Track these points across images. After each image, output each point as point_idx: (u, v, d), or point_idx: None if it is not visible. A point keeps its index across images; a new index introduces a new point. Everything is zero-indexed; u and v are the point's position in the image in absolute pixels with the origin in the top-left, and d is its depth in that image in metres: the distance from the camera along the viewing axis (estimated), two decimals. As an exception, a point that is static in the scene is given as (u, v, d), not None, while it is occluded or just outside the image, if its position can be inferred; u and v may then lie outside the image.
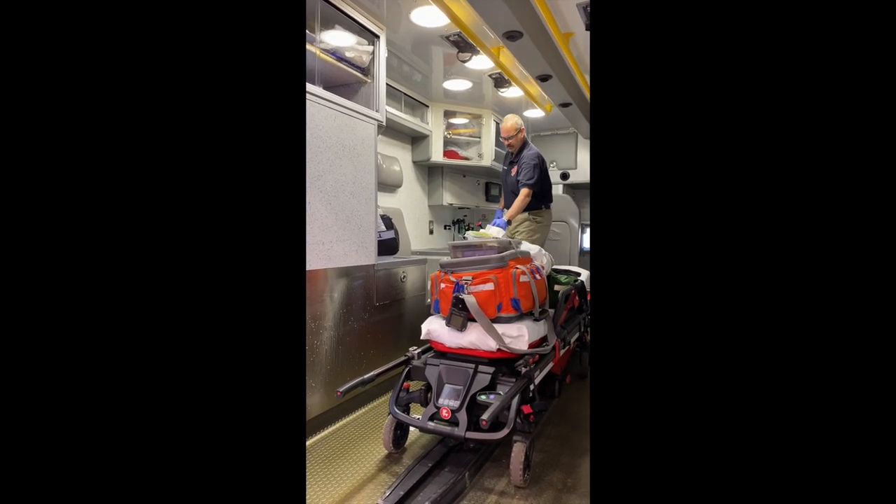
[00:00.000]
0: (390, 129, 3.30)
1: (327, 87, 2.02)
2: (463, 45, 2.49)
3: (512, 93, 3.27)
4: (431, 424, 1.57)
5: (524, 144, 3.05)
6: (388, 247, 2.61)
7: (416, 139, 3.73)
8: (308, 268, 1.85)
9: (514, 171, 3.04)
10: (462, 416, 1.53)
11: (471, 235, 1.97)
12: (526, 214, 3.00)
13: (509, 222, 2.93)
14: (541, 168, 2.95)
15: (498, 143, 3.82)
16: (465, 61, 2.67)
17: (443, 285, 1.79)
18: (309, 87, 1.83)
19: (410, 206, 3.79)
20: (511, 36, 2.10)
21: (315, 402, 1.88)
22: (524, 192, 2.90)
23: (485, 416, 1.35)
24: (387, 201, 3.43)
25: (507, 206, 3.07)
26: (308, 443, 1.83)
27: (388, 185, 3.34)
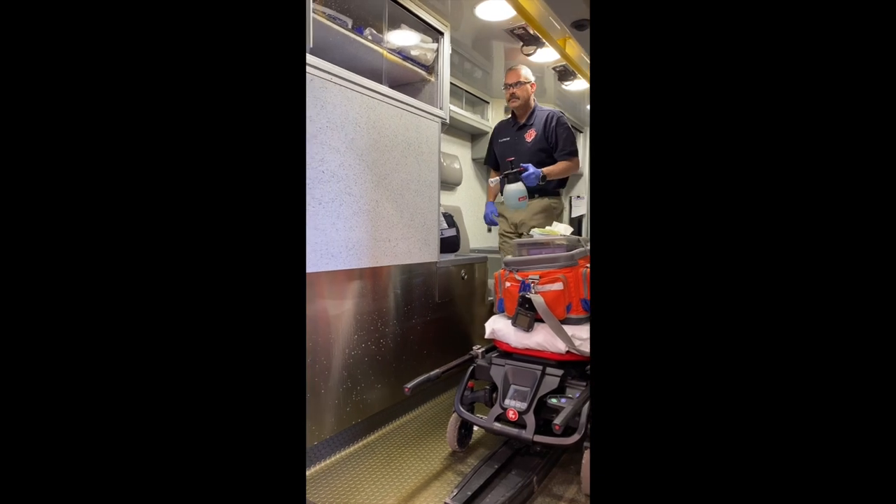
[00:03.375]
0: (451, 127, 3.29)
1: (392, 86, 2.04)
2: (527, 38, 2.44)
3: (576, 86, 3.17)
4: (498, 425, 1.54)
5: (535, 105, 2.41)
6: (449, 244, 2.61)
7: (475, 136, 3.70)
8: (374, 265, 1.88)
9: (529, 135, 2.38)
10: (529, 419, 1.49)
11: (537, 233, 1.92)
12: (547, 201, 2.42)
13: (544, 178, 2.26)
14: None
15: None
16: (529, 55, 2.60)
17: (508, 284, 1.75)
18: (377, 86, 1.86)
19: (469, 204, 3.77)
20: (580, 25, 2.03)
21: (379, 396, 1.91)
22: (576, 160, 2.33)
23: (557, 421, 1.30)
24: (447, 199, 3.43)
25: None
26: (373, 436, 1.87)
27: (448, 182, 3.35)
